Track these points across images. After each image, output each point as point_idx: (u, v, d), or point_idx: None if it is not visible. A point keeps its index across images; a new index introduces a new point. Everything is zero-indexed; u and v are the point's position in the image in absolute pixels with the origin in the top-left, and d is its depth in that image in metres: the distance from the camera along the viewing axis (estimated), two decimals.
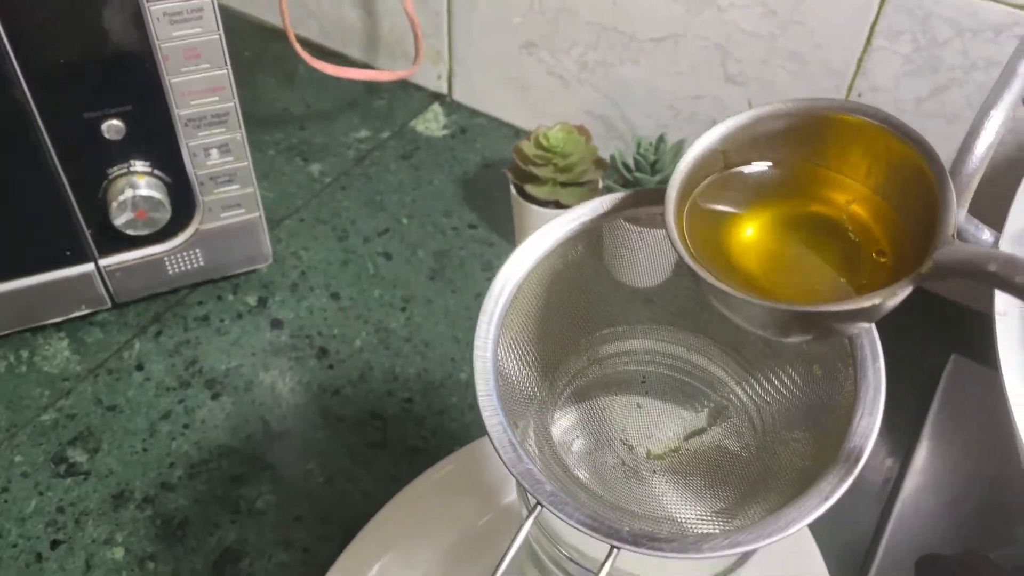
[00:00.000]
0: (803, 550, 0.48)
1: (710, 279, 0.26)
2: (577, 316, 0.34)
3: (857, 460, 0.27)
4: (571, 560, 0.31)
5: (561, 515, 0.26)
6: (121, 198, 0.51)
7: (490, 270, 0.64)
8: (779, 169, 0.31)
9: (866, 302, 0.25)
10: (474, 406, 0.56)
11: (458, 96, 0.77)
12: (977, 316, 0.62)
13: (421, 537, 0.48)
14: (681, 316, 0.34)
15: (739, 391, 0.34)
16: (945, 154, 0.28)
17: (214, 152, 0.53)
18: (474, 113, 0.76)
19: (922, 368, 0.58)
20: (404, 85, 0.78)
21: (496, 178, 0.70)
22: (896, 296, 0.26)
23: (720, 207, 0.30)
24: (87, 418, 0.55)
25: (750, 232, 0.30)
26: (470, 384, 0.57)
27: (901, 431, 0.55)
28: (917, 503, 0.51)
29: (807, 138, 0.30)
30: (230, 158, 0.54)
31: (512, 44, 0.70)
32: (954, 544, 0.48)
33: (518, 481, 0.27)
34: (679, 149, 0.57)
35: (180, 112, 0.51)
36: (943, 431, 0.54)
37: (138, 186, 0.52)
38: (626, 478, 0.32)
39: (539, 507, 0.27)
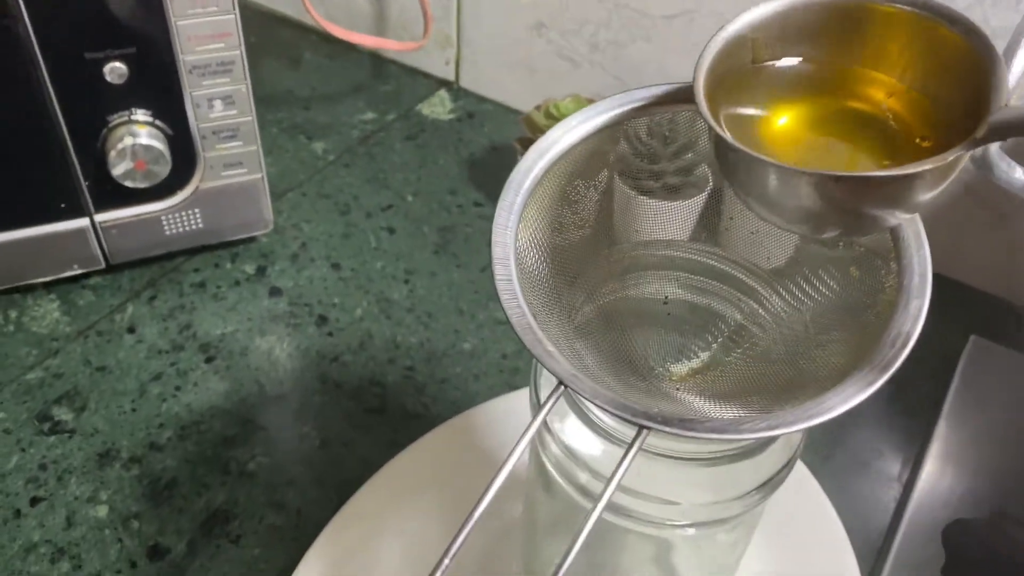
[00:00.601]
0: (825, 523, 0.46)
1: (746, 149, 0.25)
2: (599, 223, 0.32)
3: (904, 344, 0.25)
4: (588, 470, 0.29)
5: (585, 395, 0.24)
6: (120, 146, 0.50)
7: None
8: (810, 65, 0.29)
9: (916, 168, 0.24)
10: (479, 376, 0.55)
11: (465, 83, 0.76)
12: (995, 301, 0.61)
13: (417, 500, 0.46)
14: (705, 229, 0.33)
15: (769, 305, 0.32)
16: None
17: (217, 104, 0.52)
18: (481, 99, 0.75)
19: (939, 353, 0.56)
20: (411, 71, 0.77)
21: (503, 160, 0.69)
22: (948, 164, 0.24)
23: (748, 101, 0.28)
24: (74, 378, 0.52)
25: (783, 122, 0.28)
26: (474, 355, 0.55)
27: (920, 413, 0.53)
28: (938, 481, 0.49)
29: (842, 33, 0.29)
30: (234, 111, 0.52)
31: (521, 25, 0.69)
32: (981, 514, 0.46)
33: (537, 363, 0.25)
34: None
35: (185, 58, 0.49)
36: (963, 410, 0.53)
37: (138, 135, 0.50)
38: (649, 394, 0.30)
39: (560, 388, 0.25)
